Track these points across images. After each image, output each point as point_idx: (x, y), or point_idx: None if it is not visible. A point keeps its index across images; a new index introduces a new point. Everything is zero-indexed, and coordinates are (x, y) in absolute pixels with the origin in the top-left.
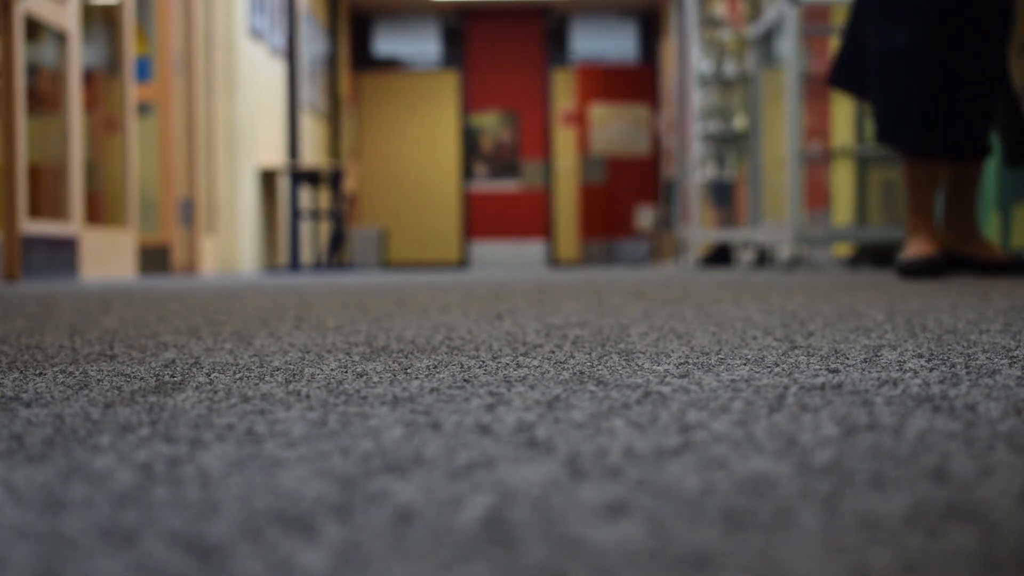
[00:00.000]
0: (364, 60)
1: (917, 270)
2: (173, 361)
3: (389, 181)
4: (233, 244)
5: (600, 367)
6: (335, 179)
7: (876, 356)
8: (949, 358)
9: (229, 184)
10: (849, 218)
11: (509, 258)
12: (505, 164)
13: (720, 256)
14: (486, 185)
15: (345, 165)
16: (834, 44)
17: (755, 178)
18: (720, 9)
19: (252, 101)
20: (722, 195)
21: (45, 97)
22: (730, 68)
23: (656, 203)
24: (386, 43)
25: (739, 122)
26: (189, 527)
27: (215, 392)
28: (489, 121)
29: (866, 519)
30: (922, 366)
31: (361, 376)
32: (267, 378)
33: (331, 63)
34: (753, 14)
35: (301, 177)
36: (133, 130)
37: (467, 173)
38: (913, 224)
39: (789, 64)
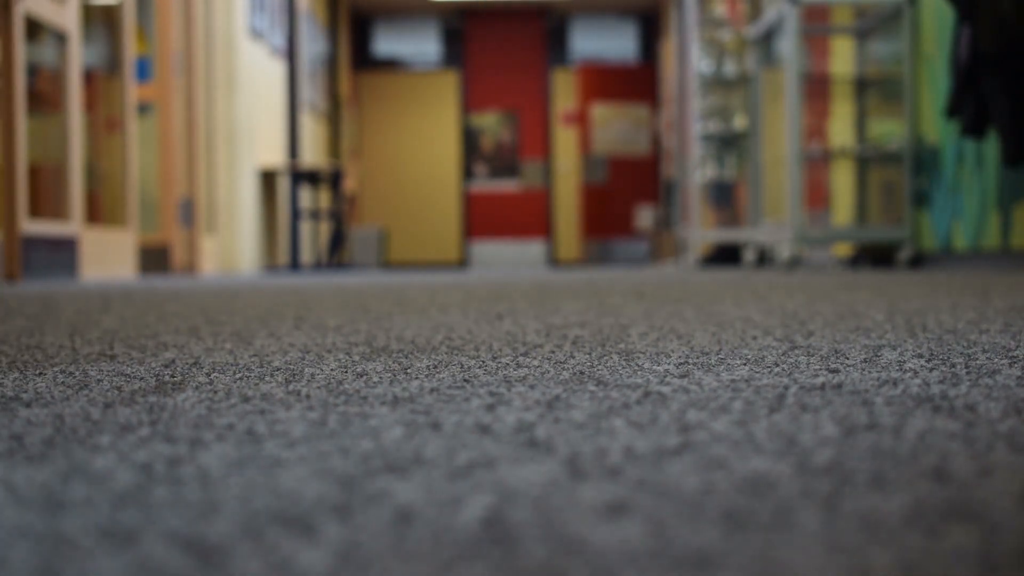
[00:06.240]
0: (364, 60)
1: None
2: (173, 361)
3: (389, 181)
4: (233, 244)
5: (600, 367)
6: (335, 179)
7: (876, 356)
8: (949, 358)
9: (229, 184)
10: (849, 218)
11: (509, 258)
12: (505, 164)
13: (722, 256)
14: (486, 185)
15: (345, 165)
16: (834, 44)
17: (755, 178)
18: (720, 9)
19: (252, 101)
20: (722, 195)
21: (45, 97)
22: (730, 68)
23: (656, 203)
24: (386, 43)
25: (739, 122)
26: (189, 527)
27: (215, 392)
28: (489, 121)
29: (866, 519)
30: (922, 366)
31: (361, 376)
32: (267, 378)
33: (331, 63)
34: (753, 14)
35: (301, 177)
36: (133, 130)
37: (467, 173)
38: None
39: (789, 64)
